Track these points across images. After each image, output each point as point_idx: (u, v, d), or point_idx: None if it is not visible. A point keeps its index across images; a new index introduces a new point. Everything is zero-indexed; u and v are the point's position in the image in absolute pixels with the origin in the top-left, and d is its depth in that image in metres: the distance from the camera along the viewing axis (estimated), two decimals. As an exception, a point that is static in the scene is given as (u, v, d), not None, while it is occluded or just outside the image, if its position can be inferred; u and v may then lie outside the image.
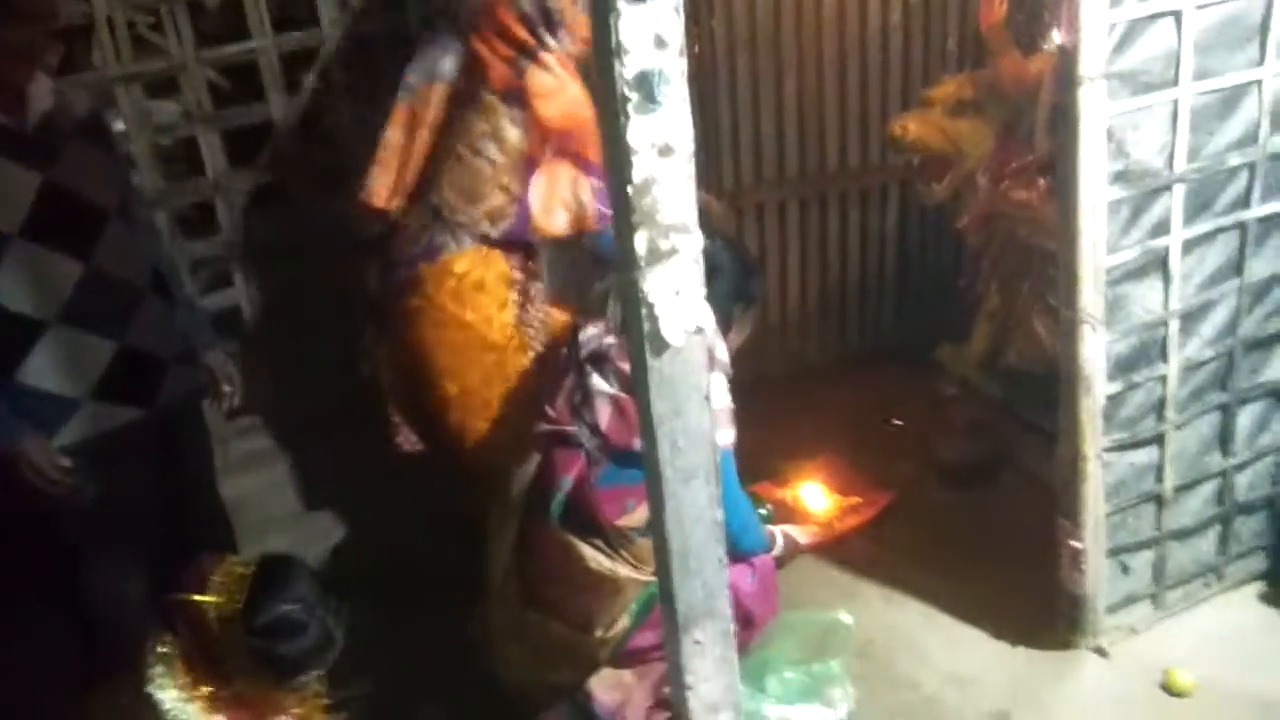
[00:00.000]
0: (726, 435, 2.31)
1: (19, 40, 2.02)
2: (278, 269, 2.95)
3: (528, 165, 2.52)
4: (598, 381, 2.34)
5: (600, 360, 2.36)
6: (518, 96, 2.47)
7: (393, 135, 2.52)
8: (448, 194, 2.52)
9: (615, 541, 2.29)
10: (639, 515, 2.23)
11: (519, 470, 2.41)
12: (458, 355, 2.60)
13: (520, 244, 2.62)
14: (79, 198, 2.14)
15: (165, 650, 1.76)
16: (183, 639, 1.76)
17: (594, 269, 2.63)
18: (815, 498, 3.20)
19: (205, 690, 1.75)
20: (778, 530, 2.74)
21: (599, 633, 2.32)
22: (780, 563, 2.65)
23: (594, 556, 2.30)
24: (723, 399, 2.32)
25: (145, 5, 2.64)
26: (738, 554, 2.22)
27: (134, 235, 2.28)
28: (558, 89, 2.46)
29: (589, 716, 2.36)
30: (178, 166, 2.89)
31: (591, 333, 2.41)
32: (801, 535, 2.96)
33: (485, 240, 2.57)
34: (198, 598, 1.75)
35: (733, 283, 2.43)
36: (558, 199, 2.53)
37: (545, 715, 2.40)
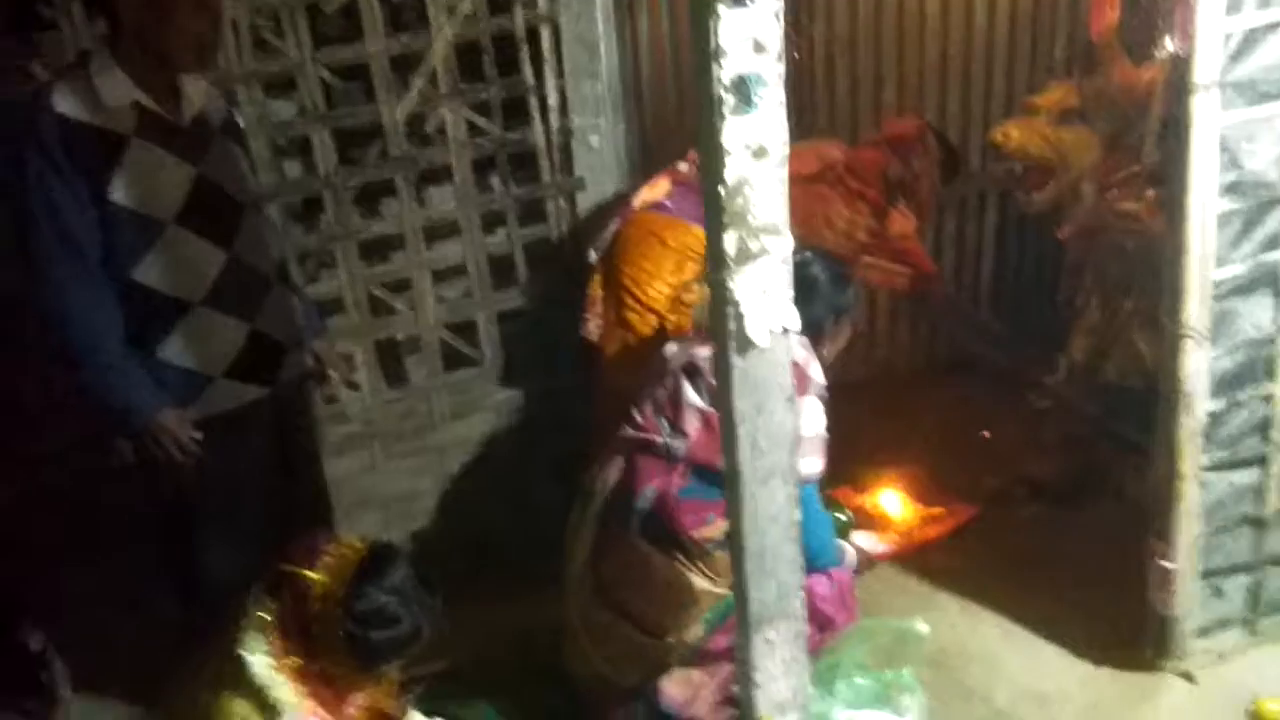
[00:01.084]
0: (814, 464, 2.29)
1: (195, 28, 2.14)
2: (380, 261, 3.05)
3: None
4: (689, 393, 2.34)
5: (694, 372, 2.36)
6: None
7: None
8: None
9: (693, 553, 2.29)
10: (719, 528, 2.21)
11: (601, 472, 2.43)
12: (635, 254, 2.84)
13: None
14: (223, 191, 2.28)
15: (263, 615, 1.84)
16: (283, 608, 1.85)
17: None
18: (895, 506, 3.17)
19: (293, 660, 1.83)
20: (848, 545, 2.71)
21: (670, 639, 2.33)
22: (853, 574, 2.63)
23: (670, 566, 2.30)
24: (816, 426, 2.30)
25: (266, 8, 2.77)
26: (810, 568, 2.22)
27: (264, 227, 2.44)
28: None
29: (657, 712, 2.38)
30: (289, 161, 3.00)
31: (685, 342, 2.43)
32: (876, 545, 2.93)
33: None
34: (307, 572, 1.83)
35: (826, 295, 2.42)
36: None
37: (615, 710, 2.43)
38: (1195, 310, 2.25)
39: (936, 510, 3.16)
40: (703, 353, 2.33)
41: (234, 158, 2.35)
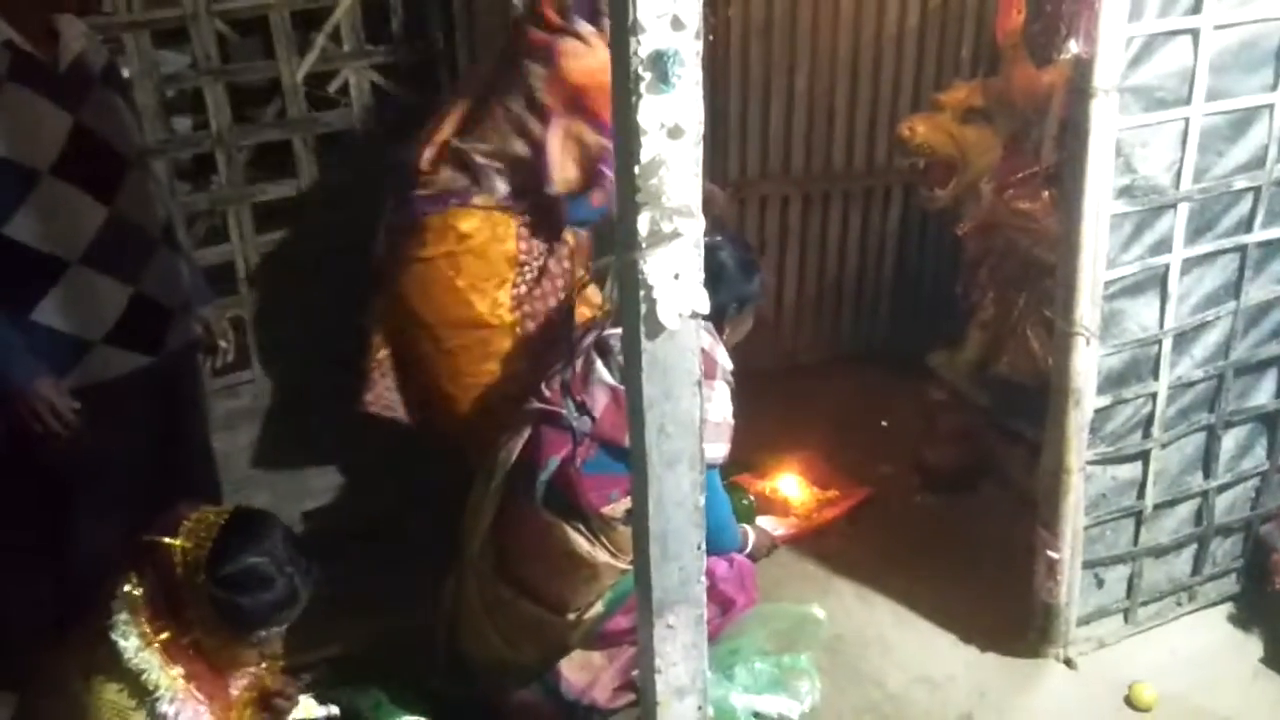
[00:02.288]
0: (719, 449, 2.30)
1: None
2: (274, 227, 2.92)
3: (544, 117, 2.51)
4: (600, 370, 2.33)
5: (605, 350, 2.35)
6: (546, 55, 2.49)
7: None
8: (474, 141, 2.55)
9: (596, 527, 2.29)
10: (622, 506, 2.22)
11: (505, 444, 2.39)
12: (441, 315, 2.59)
13: (544, 216, 2.61)
14: (104, 142, 2.15)
15: (131, 591, 1.74)
16: (149, 582, 1.74)
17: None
18: (793, 490, 3.22)
19: (165, 638, 1.73)
20: (749, 528, 2.74)
21: (571, 616, 2.32)
22: (754, 557, 2.66)
23: (575, 539, 2.29)
24: (723, 411, 2.31)
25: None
26: (710, 551, 2.23)
27: (149, 184, 2.30)
28: (586, 52, 2.49)
29: (557, 696, 2.36)
30: (179, 117, 2.86)
31: (596, 321, 2.40)
32: (776, 528, 2.97)
33: (507, 197, 2.57)
34: (167, 540, 1.72)
35: (734, 281, 2.42)
36: (569, 153, 2.54)
37: (515, 695, 2.40)
38: (1086, 309, 2.32)
39: (832, 493, 3.22)
40: (615, 331, 2.32)
41: (116, 108, 2.21)
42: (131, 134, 2.26)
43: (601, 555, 2.29)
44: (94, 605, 1.78)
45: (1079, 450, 2.44)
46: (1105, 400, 2.43)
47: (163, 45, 2.74)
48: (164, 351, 2.30)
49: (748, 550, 2.63)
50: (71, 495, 2.22)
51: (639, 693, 1.88)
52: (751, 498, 3.05)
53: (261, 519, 1.81)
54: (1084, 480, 2.47)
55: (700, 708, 1.78)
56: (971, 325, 3.40)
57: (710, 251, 2.20)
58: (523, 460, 2.36)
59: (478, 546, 2.41)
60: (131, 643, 1.71)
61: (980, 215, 3.28)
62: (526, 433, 2.38)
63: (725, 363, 2.35)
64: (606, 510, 2.27)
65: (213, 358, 2.53)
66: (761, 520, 2.95)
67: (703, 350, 2.04)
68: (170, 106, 2.78)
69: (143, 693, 1.72)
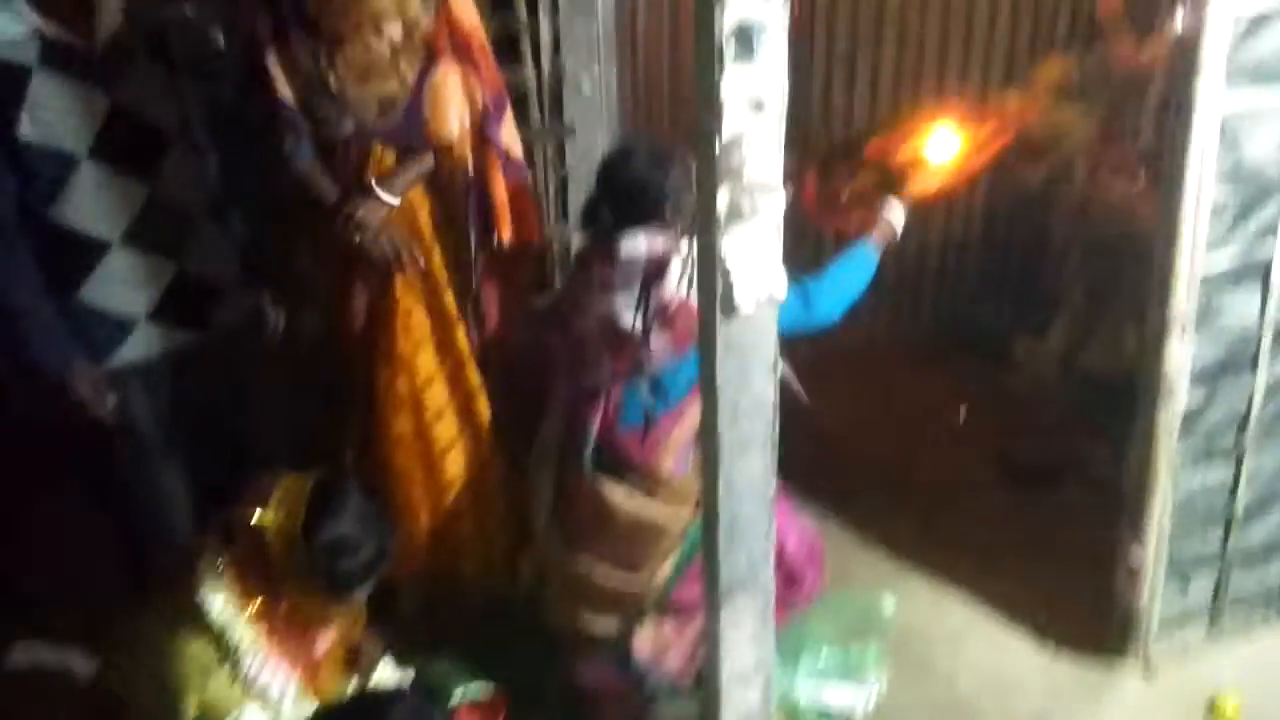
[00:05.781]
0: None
1: None
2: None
3: (427, 58, 2.34)
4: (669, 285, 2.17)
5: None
6: None
7: None
8: (341, 70, 2.30)
9: (649, 480, 2.28)
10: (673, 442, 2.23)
11: (546, 424, 2.41)
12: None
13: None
14: (143, 119, 2.14)
15: (220, 561, 1.80)
16: (239, 552, 1.81)
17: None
18: (946, 143, 2.58)
19: (256, 603, 1.80)
20: (890, 206, 2.40)
21: (644, 574, 2.32)
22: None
23: (629, 498, 2.29)
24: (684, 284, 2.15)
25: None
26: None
27: (194, 158, 2.26)
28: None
29: (628, 666, 2.37)
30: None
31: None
32: (899, 212, 2.45)
33: (371, 133, 2.34)
34: (259, 513, 1.78)
35: (652, 185, 2.21)
36: (453, 104, 2.36)
37: (586, 662, 2.42)
38: (1182, 299, 2.22)
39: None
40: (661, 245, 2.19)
41: (157, 80, 2.17)
42: (174, 106, 2.20)
43: (659, 508, 2.28)
44: (172, 571, 1.85)
45: (1169, 448, 2.34)
46: (1199, 396, 2.32)
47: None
48: (214, 326, 2.30)
49: (899, 231, 2.40)
50: (132, 465, 2.26)
51: (704, 678, 1.86)
52: (892, 172, 2.51)
53: (342, 485, 1.86)
54: (1172, 480, 2.37)
55: (764, 698, 1.76)
56: (1059, 314, 3.29)
57: (622, 166, 2.21)
58: (567, 436, 2.36)
59: (544, 522, 2.43)
60: (218, 601, 1.78)
61: (1073, 197, 3.17)
62: (563, 409, 2.36)
63: (689, 249, 2.15)
64: (654, 459, 2.25)
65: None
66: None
67: (660, 251, 2.15)
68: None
69: (227, 649, 1.78)
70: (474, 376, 2.52)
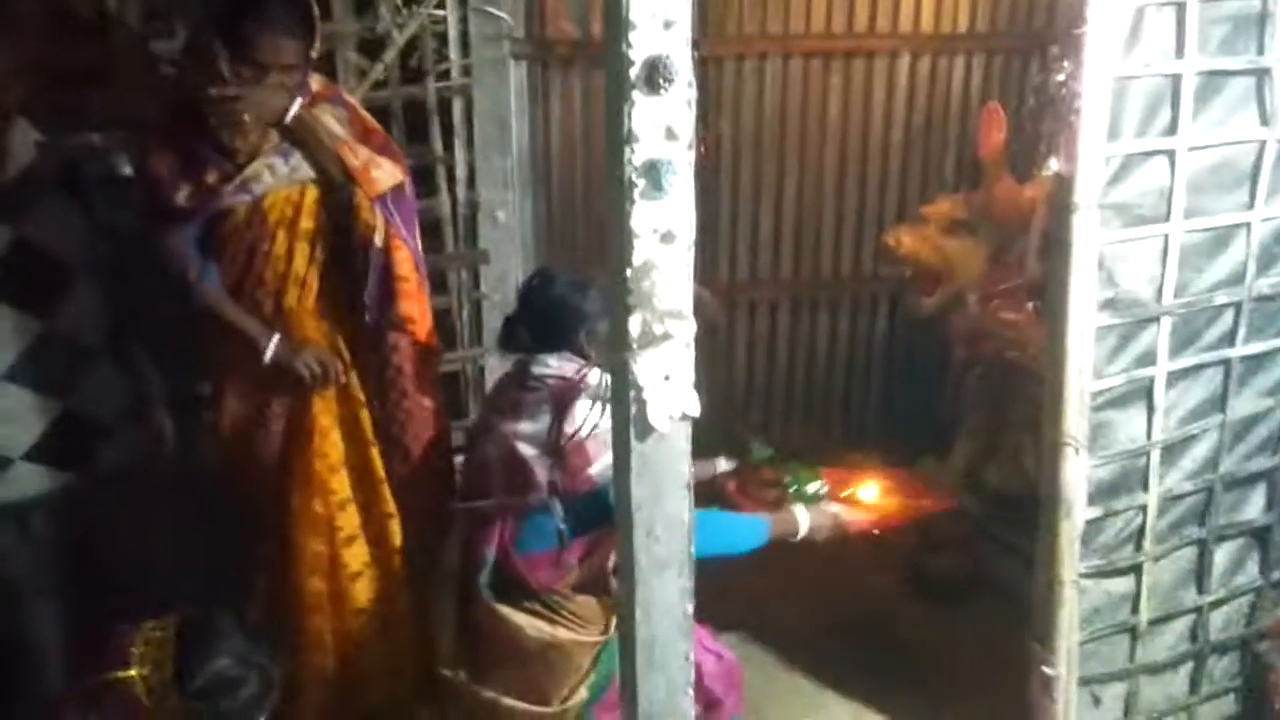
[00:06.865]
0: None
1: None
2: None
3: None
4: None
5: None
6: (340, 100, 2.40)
7: None
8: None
9: (552, 604, 2.23)
10: (574, 575, 2.18)
11: (446, 549, 2.36)
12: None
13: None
14: (47, 254, 2.10)
15: None
16: (108, 717, 1.69)
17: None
18: (873, 494, 2.80)
19: None
20: (802, 507, 2.45)
21: (555, 705, 2.25)
22: (815, 538, 2.42)
23: (532, 624, 2.23)
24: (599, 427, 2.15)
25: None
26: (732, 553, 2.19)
27: (99, 291, 2.20)
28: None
29: None
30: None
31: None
32: (845, 514, 2.57)
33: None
34: (123, 674, 1.68)
35: (576, 309, 2.27)
36: (373, 161, 2.34)
37: None
38: (1074, 420, 2.32)
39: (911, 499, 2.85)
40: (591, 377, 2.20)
41: (68, 213, 2.14)
42: (84, 242, 2.16)
43: (563, 633, 2.23)
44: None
45: (1071, 562, 2.40)
46: (1096, 512, 2.41)
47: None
48: (99, 467, 2.21)
49: (801, 533, 2.40)
50: None
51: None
52: (823, 484, 2.70)
53: (210, 620, 1.78)
54: (1077, 594, 2.43)
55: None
56: (960, 433, 3.41)
57: (542, 289, 2.26)
58: (465, 563, 2.31)
59: (448, 657, 2.34)
60: None
61: (966, 325, 3.33)
62: (459, 533, 2.32)
63: (598, 380, 2.19)
64: (559, 585, 2.21)
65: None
66: (834, 508, 2.60)
67: (570, 376, 2.18)
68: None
69: None
70: (388, 501, 2.48)
